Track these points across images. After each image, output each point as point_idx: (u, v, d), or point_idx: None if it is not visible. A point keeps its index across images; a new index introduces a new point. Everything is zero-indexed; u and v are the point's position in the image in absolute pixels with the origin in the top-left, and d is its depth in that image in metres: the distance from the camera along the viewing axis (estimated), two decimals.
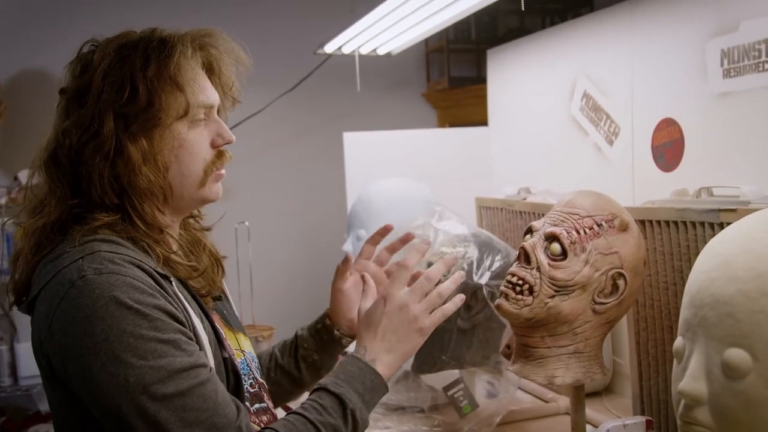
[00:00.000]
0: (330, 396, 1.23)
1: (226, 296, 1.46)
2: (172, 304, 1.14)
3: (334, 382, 1.25)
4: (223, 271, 1.42)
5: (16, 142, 3.60)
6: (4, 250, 2.85)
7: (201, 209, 1.41)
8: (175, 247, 1.28)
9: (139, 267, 1.14)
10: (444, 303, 1.37)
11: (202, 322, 1.22)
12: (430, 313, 1.34)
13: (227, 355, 1.25)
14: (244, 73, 1.34)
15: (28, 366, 3.59)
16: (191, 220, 1.40)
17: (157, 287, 1.14)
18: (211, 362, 1.19)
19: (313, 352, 1.60)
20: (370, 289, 1.42)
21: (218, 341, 1.25)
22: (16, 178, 3.58)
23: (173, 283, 1.21)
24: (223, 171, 1.31)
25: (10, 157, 3.67)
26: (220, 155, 1.29)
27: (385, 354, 1.29)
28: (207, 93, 1.27)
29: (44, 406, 3.68)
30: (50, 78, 3.55)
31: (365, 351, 1.30)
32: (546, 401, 2.11)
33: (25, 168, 3.45)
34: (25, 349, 3.59)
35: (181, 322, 1.14)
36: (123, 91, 1.18)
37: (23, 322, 3.62)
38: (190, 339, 1.14)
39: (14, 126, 3.61)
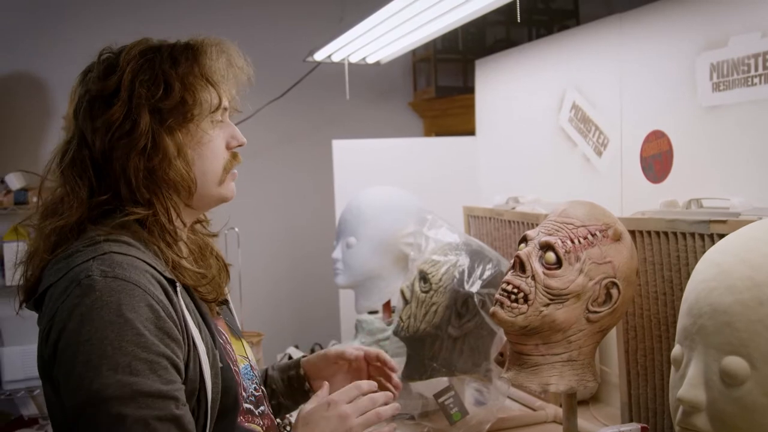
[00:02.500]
0: None
1: (228, 303, 1.47)
2: (171, 318, 1.14)
3: None
4: (228, 276, 1.44)
5: (3, 145, 3.58)
6: None
7: (207, 214, 1.43)
8: (185, 251, 1.30)
9: (147, 271, 1.15)
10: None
11: (201, 332, 1.22)
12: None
13: (224, 365, 1.24)
14: (246, 85, 1.37)
15: (12, 371, 3.55)
16: (198, 226, 1.42)
17: (163, 294, 1.15)
18: (207, 372, 1.19)
19: (280, 395, 1.60)
20: (323, 391, 1.40)
21: (216, 349, 1.25)
22: (2, 181, 3.55)
23: (178, 289, 1.21)
24: (236, 171, 1.36)
25: None
26: (234, 156, 1.35)
27: None
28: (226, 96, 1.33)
29: (27, 411, 3.65)
30: (38, 82, 3.54)
31: None
32: (534, 409, 2.13)
33: (11, 171, 3.45)
34: (9, 354, 3.53)
35: (174, 339, 1.13)
36: (157, 88, 1.22)
37: (8, 326, 3.58)
38: (175, 365, 1.13)
39: (0, 130, 3.59)
